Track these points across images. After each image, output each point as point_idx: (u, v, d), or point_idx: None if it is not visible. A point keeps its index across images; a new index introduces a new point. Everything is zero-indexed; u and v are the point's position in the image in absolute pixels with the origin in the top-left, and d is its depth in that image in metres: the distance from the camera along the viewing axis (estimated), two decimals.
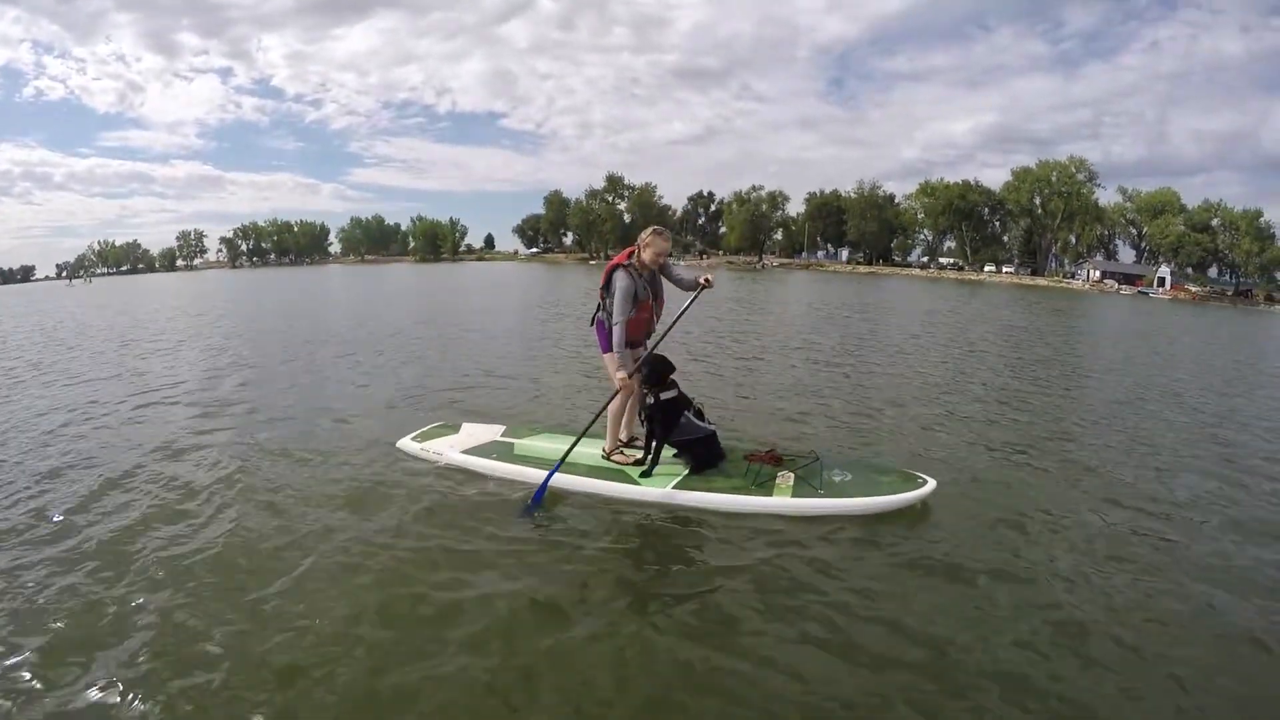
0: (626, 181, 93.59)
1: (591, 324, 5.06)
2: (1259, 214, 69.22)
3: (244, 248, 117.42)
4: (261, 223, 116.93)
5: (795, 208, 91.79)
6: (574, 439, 4.83)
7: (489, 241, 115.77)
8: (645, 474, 4.70)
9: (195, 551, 3.86)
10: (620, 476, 4.74)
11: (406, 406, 7.22)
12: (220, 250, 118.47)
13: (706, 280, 4.73)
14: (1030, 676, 2.92)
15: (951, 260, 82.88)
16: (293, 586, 3.49)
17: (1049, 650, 3.09)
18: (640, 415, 4.87)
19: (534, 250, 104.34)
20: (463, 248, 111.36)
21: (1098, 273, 69.90)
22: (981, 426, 7.00)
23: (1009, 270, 76.64)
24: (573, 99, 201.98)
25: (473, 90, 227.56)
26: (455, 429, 5.62)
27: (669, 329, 4.92)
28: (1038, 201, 76.92)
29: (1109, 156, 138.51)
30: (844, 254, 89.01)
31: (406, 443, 5.38)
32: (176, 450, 5.68)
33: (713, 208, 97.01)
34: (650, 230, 4.81)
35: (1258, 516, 4.83)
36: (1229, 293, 64.49)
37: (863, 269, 79.99)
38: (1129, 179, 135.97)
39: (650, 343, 4.95)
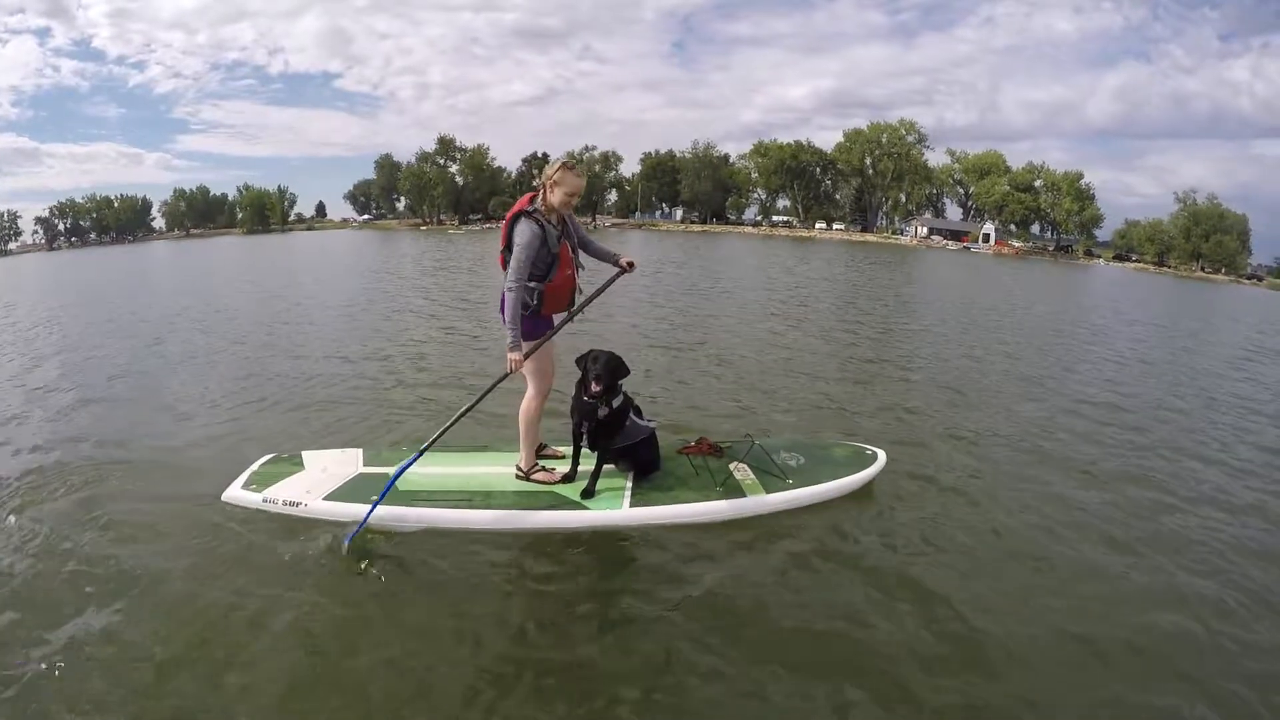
0: (459, 143, 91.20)
1: (501, 308, 3.71)
2: (1079, 176, 74.42)
3: (62, 227, 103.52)
4: (80, 199, 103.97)
5: (632, 168, 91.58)
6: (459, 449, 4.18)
7: (320, 210, 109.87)
8: (587, 494, 3.75)
9: None
10: (559, 502, 3.73)
11: (217, 436, 5.12)
12: (36, 232, 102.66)
13: (629, 264, 3.78)
14: None
15: (785, 218, 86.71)
16: None
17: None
18: (581, 429, 3.78)
19: (366, 217, 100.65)
20: (293, 217, 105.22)
21: (925, 229, 76.03)
22: (848, 380, 7.39)
23: (839, 227, 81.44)
24: (411, 59, 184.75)
25: (307, 49, 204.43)
26: (296, 462, 4.02)
27: (579, 309, 3.74)
28: (868, 162, 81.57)
29: (942, 122, 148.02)
30: (678, 213, 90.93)
31: (237, 492, 3.70)
32: None
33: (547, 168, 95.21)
34: (558, 164, 3.52)
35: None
36: (1050, 248, 72.90)
37: (696, 228, 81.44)
38: (960, 143, 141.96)
39: (558, 319, 3.72)
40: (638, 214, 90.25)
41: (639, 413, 3.98)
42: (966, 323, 12.84)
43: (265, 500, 3.56)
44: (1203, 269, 66.37)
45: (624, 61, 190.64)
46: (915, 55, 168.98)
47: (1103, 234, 76.80)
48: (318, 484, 3.68)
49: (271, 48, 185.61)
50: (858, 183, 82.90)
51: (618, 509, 3.64)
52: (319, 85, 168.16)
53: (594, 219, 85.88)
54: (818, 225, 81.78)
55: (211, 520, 3.54)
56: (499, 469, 3.98)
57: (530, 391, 3.78)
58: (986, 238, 71.66)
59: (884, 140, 79.54)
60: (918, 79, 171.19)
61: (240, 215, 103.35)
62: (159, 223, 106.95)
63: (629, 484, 3.86)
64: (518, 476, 3.89)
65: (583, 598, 3.12)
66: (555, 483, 3.86)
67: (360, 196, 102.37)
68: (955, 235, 73.70)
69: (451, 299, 13.50)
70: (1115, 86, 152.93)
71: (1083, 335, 12.21)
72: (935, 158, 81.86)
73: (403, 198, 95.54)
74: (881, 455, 4.33)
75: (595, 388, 3.58)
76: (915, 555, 3.54)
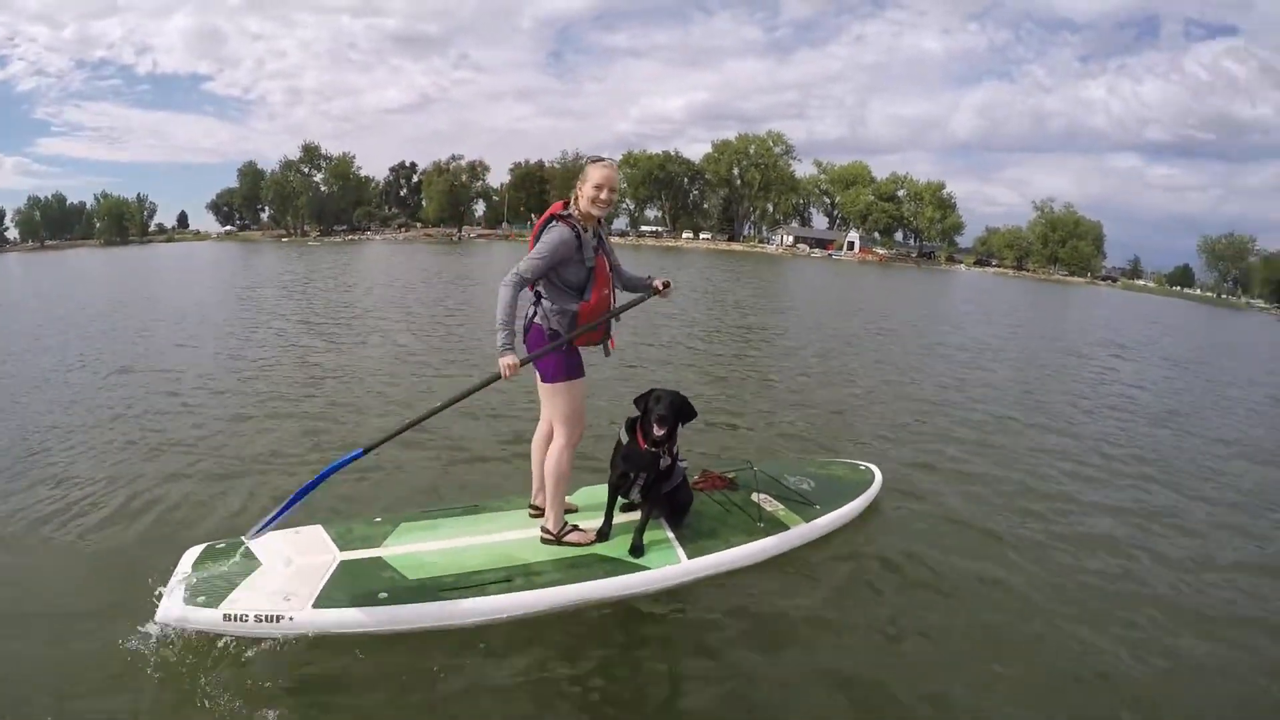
0: (324, 151, 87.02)
1: (523, 333, 3.08)
2: (941, 186, 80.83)
3: None
4: None
5: (502, 178, 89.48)
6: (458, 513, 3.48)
7: (182, 220, 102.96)
8: (636, 551, 3.23)
9: None
10: (612, 566, 3.12)
11: (108, 531, 3.53)
12: None
13: (665, 284, 3.26)
14: None
15: (653, 228, 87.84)
16: None
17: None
18: (633, 479, 3.25)
19: (228, 229, 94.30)
20: (153, 227, 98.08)
21: (790, 238, 79.77)
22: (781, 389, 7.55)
23: (706, 236, 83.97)
24: (284, 62, 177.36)
25: (177, 49, 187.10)
26: (244, 554, 2.91)
27: (614, 313, 3.13)
28: (736, 172, 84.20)
29: (813, 135, 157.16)
30: None
31: (179, 610, 2.55)
32: None
33: (415, 179, 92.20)
34: (590, 160, 3.05)
35: None
36: (913, 255, 78.26)
37: None
38: (831, 155, 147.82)
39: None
40: (506, 224, 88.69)
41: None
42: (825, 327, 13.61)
43: (229, 617, 2.52)
44: (1060, 272, 74.21)
45: (501, 70, 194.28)
46: (789, 70, 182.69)
47: (964, 240, 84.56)
48: (292, 584, 2.70)
49: (140, 46, 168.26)
50: (725, 193, 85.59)
51: (676, 563, 3.19)
52: (187, 88, 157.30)
53: (460, 230, 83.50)
54: (685, 235, 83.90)
55: (151, 663, 2.41)
56: (514, 534, 3.29)
57: (562, 441, 3.13)
58: (851, 245, 76.18)
59: (752, 151, 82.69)
60: (791, 93, 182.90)
61: (98, 225, 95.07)
62: (12, 233, 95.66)
63: (670, 533, 3.42)
64: (545, 540, 3.20)
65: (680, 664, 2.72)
66: (591, 543, 3.25)
67: (223, 206, 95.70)
68: (820, 243, 78.04)
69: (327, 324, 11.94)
70: (978, 103, 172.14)
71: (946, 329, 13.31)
72: (803, 169, 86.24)
73: (266, 208, 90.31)
74: (875, 469, 4.38)
75: (659, 432, 3.10)
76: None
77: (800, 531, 3.58)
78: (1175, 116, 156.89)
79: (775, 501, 3.82)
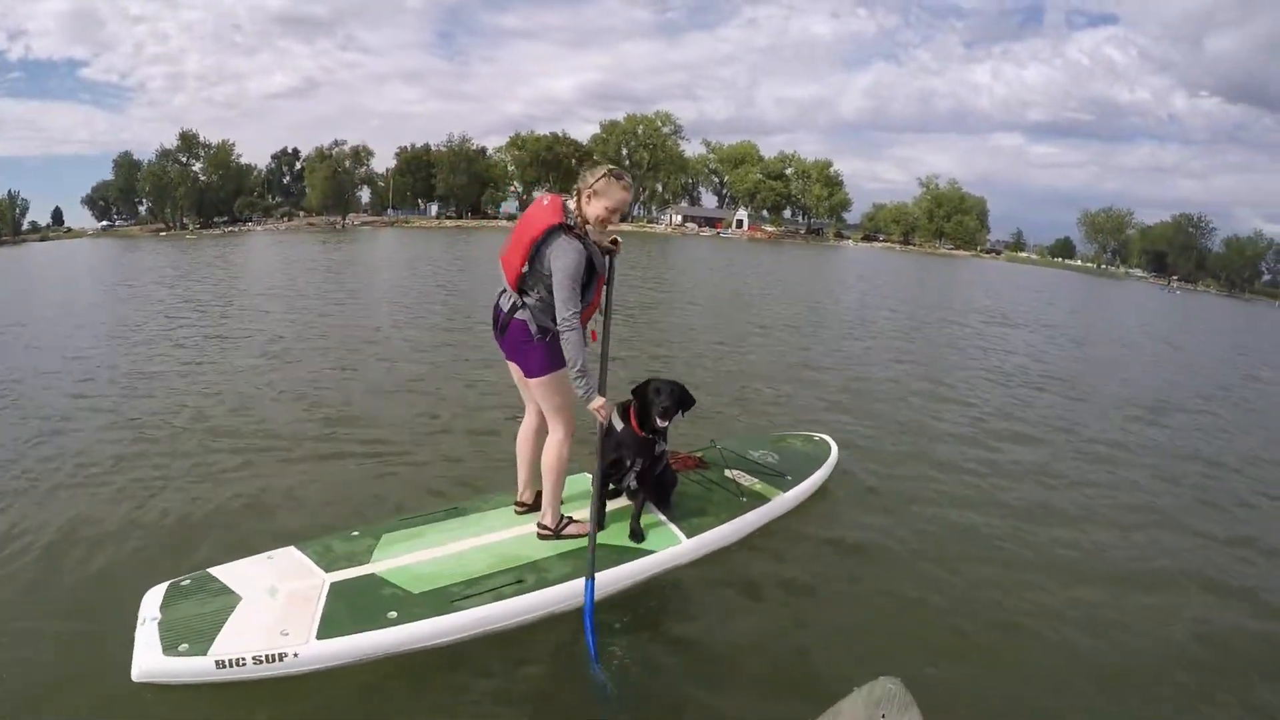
0: (202, 139, 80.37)
1: (499, 329, 2.93)
2: (829, 164, 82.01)
3: None
4: None
5: (388, 163, 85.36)
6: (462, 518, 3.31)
7: (57, 217, 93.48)
8: (637, 537, 3.24)
9: None
10: (618, 554, 3.08)
11: (36, 585, 2.93)
12: None
13: (613, 242, 3.09)
14: None
15: None
16: None
17: None
18: (632, 468, 3.24)
19: (105, 224, 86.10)
20: (26, 226, 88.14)
21: (679, 217, 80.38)
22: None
23: None
24: (166, 46, 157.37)
25: (51, 33, 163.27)
26: (218, 589, 2.55)
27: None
28: (625, 152, 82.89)
29: (702, 115, 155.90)
30: (433, 209, 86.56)
31: (160, 662, 2.19)
32: None
33: (298, 166, 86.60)
34: (603, 172, 2.82)
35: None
36: (802, 232, 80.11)
37: (450, 223, 78.20)
38: (719, 135, 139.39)
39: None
40: (392, 210, 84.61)
41: None
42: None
43: (222, 664, 2.21)
44: (946, 246, 78.22)
45: (389, 52, 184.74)
46: (680, 52, 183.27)
47: (852, 217, 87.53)
48: (285, 616, 2.42)
49: (13, 30, 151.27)
50: None
51: (678, 544, 3.23)
52: (62, 74, 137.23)
53: (344, 218, 79.01)
54: None
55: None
56: (508, 533, 3.16)
57: (560, 435, 3.02)
58: (740, 223, 77.55)
59: (640, 132, 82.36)
60: (681, 74, 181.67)
61: None
62: None
63: (662, 515, 3.45)
64: (543, 536, 3.09)
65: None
66: (584, 534, 3.16)
67: (99, 200, 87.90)
68: (709, 222, 79.30)
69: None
70: (866, 85, 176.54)
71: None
72: (692, 148, 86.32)
73: (144, 201, 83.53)
74: (829, 439, 4.58)
75: (663, 423, 3.11)
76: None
77: (780, 502, 3.73)
78: (1056, 99, 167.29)
79: (749, 476, 3.92)
